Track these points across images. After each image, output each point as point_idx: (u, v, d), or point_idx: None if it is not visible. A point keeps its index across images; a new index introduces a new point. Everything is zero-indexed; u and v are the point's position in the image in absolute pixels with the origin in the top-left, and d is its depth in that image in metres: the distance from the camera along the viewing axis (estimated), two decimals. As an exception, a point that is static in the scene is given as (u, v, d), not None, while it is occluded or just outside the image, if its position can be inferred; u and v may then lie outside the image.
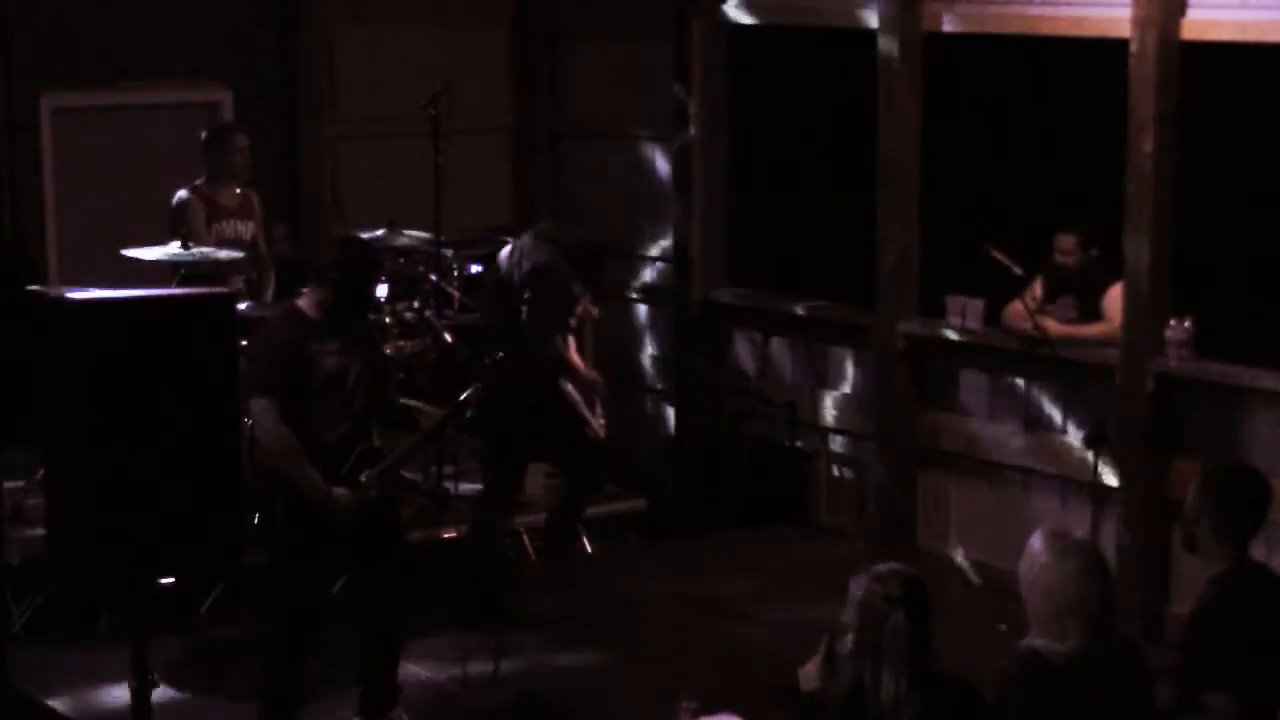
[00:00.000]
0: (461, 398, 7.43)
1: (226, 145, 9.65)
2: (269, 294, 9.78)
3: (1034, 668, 5.00)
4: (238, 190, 9.69)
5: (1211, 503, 5.44)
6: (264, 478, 7.18)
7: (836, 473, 10.09)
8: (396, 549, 7.43)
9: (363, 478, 7.14)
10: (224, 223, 9.55)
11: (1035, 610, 5.03)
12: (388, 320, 9.36)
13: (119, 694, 6.32)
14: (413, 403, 7.63)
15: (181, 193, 9.55)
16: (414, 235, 9.79)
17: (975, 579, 9.28)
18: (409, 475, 9.16)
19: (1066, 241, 8.87)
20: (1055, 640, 4.98)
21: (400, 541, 7.53)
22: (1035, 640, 5.04)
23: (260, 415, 7.11)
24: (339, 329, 7.19)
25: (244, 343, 7.07)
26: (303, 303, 7.26)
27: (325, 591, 7.37)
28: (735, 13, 10.34)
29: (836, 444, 10.05)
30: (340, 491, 7.07)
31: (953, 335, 9.31)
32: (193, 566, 6.08)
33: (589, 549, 9.53)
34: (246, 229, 9.67)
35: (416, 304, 9.56)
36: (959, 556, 9.47)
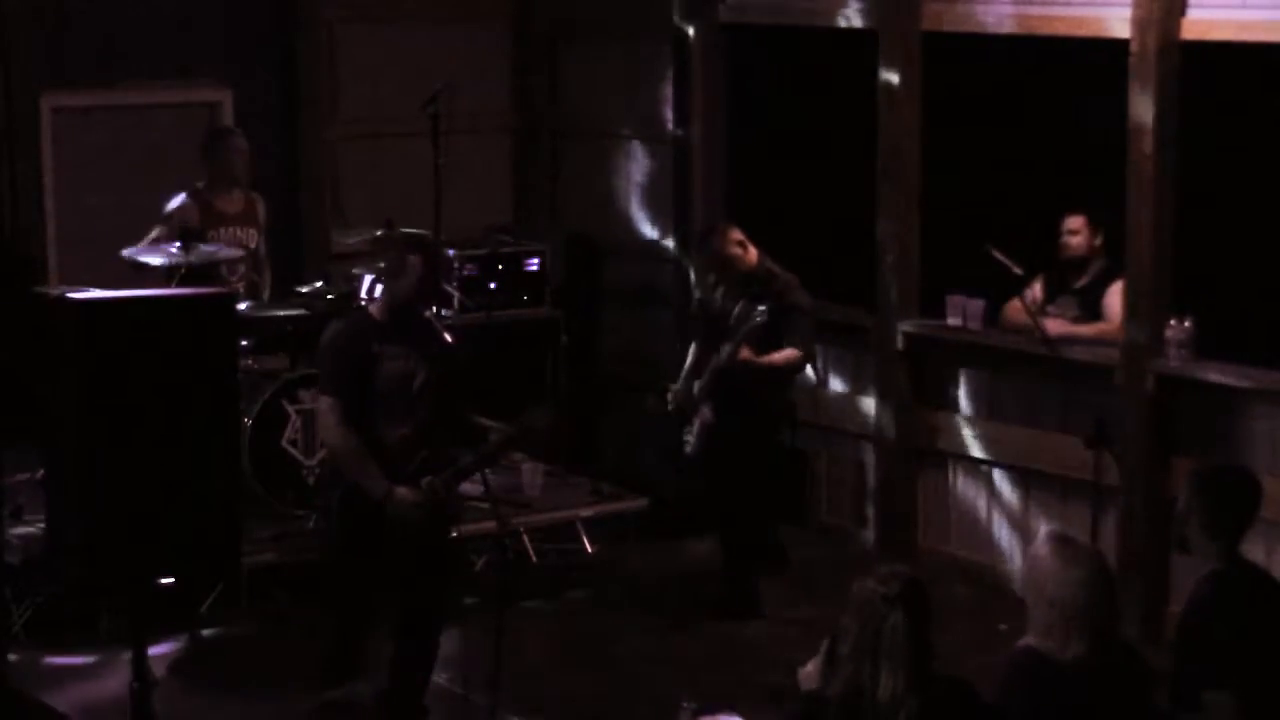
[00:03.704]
0: (530, 418, 7.40)
1: (224, 148, 9.62)
2: (266, 294, 9.77)
3: (1034, 667, 5.00)
4: (240, 195, 9.67)
5: (1201, 502, 5.44)
6: (326, 473, 7.31)
7: (836, 473, 10.09)
8: (446, 562, 7.43)
9: (423, 483, 7.12)
10: (223, 230, 9.53)
11: (1038, 616, 5.01)
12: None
13: (119, 694, 6.31)
14: (484, 420, 7.59)
15: (179, 197, 9.52)
16: (413, 235, 9.78)
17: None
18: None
19: (1075, 221, 8.83)
20: (1058, 646, 4.97)
21: (449, 555, 7.54)
22: (1033, 640, 5.04)
23: (323, 415, 7.23)
24: (404, 332, 7.22)
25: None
26: (372, 306, 7.34)
27: (381, 587, 7.34)
28: (734, 12, 10.34)
29: (836, 444, 10.05)
30: (402, 491, 7.08)
31: (953, 335, 9.31)
32: (193, 566, 6.10)
33: (589, 549, 9.53)
34: (248, 235, 9.64)
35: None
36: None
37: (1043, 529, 5.25)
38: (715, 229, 8.97)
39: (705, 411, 8.77)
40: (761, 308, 8.52)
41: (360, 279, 9.55)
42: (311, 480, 8.92)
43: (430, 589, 7.31)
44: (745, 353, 8.58)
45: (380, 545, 7.13)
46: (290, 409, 8.99)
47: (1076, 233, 8.85)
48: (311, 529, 8.70)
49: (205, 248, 9.04)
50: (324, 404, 7.23)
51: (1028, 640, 5.04)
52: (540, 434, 7.42)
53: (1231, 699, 5.24)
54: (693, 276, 10.41)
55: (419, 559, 7.22)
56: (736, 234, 8.82)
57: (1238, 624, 5.33)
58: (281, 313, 9.34)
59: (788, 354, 8.72)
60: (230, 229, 9.56)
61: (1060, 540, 5.09)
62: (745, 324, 8.56)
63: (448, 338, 9.27)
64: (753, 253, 8.80)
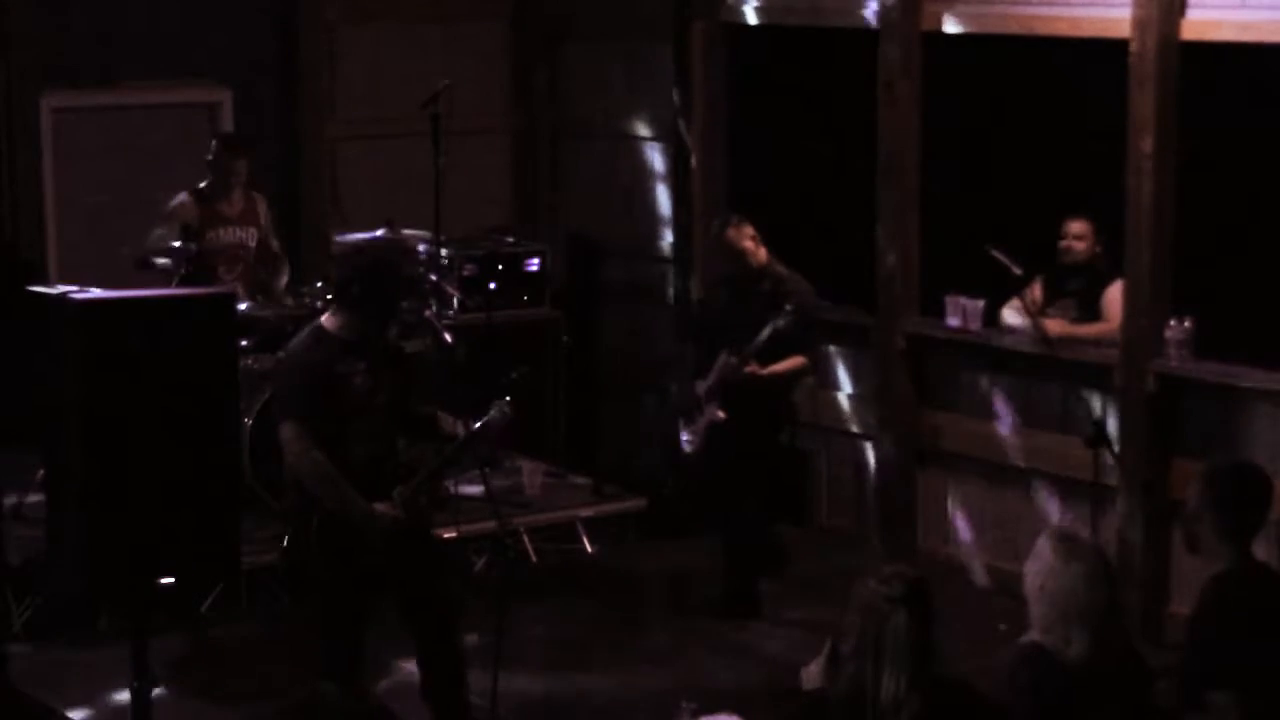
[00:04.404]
0: (488, 416, 7.13)
1: (222, 165, 9.57)
2: (282, 286, 9.70)
3: (1038, 663, 5.00)
4: (240, 196, 9.65)
5: (1212, 501, 5.41)
6: (294, 497, 7.01)
7: (836, 473, 10.09)
8: (439, 564, 7.26)
9: (395, 494, 6.95)
10: (223, 229, 9.53)
11: (1040, 613, 5.01)
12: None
13: (119, 694, 6.31)
14: (445, 418, 7.42)
15: (180, 195, 9.52)
16: (414, 235, 9.79)
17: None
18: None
19: (1079, 226, 8.81)
20: (1060, 643, 4.97)
21: (440, 556, 7.38)
22: (1035, 638, 5.03)
23: (291, 441, 6.84)
24: (366, 347, 6.98)
25: (273, 366, 6.74)
26: (327, 322, 7.02)
27: (370, 601, 7.15)
28: (735, 12, 10.34)
29: (836, 444, 10.05)
30: (382, 508, 6.88)
31: (953, 335, 9.31)
32: (193, 566, 6.09)
33: (589, 549, 9.53)
34: (248, 235, 9.63)
35: (416, 304, 9.55)
36: None
37: (1047, 530, 5.24)
38: (729, 221, 8.92)
39: (714, 410, 8.76)
40: (790, 308, 8.52)
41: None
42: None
43: (436, 599, 7.14)
44: (752, 367, 8.58)
45: (374, 567, 6.97)
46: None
47: (1082, 238, 8.82)
48: (278, 560, 8.30)
49: (207, 248, 9.06)
50: (289, 430, 6.83)
51: (1030, 637, 5.04)
52: (503, 426, 7.28)
53: (1237, 700, 5.23)
54: (695, 275, 10.42)
55: (412, 572, 7.08)
56: (749, 229, 8.82)
57: (1248, 624, 5.31)
58: (282, 312, 9.33)
59: (793, 362, 8.73)
60: (230, 228, 9.56)
61: (1061, 537, 5.10)
62: (772, 323, 8.53)
63: (447, 338, 9.34)
64: (762, 251, 8.81)
